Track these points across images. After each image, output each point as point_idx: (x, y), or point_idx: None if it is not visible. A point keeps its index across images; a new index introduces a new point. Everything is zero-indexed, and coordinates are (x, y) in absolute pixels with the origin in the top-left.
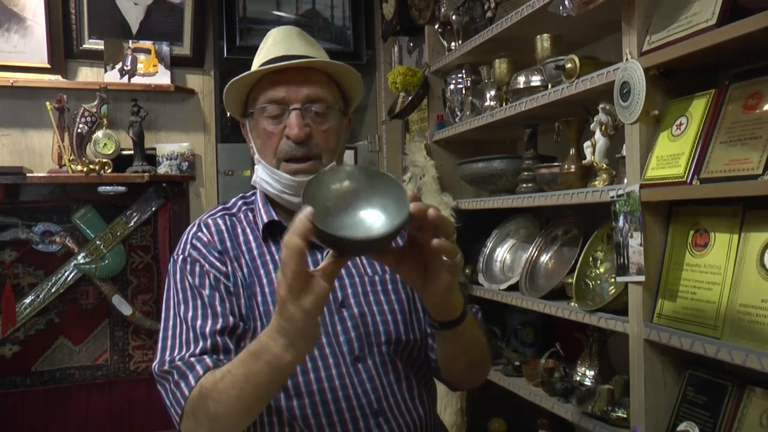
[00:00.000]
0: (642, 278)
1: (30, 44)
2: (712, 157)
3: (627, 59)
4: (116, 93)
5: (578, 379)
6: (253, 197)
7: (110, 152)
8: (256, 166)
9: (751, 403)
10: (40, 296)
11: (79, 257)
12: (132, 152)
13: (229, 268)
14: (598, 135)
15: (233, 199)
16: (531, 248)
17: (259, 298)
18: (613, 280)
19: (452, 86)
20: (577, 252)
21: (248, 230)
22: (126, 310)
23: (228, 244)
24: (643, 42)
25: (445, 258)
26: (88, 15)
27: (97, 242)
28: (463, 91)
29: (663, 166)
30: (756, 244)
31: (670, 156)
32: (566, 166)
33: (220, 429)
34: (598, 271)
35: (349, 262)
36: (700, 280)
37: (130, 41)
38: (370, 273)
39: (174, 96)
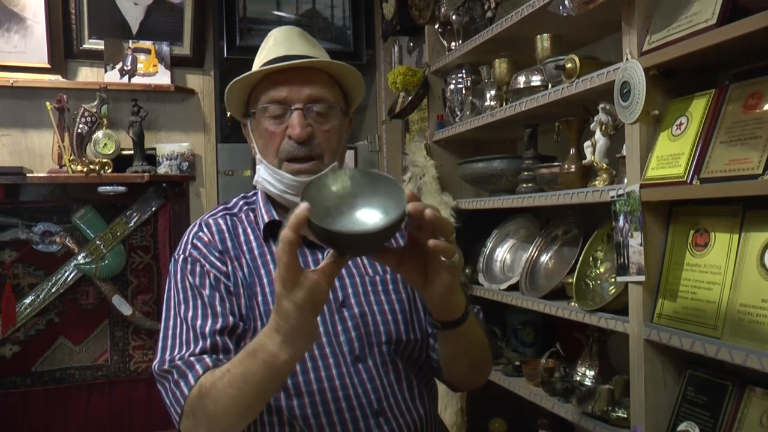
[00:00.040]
0: (642, 278)
1: (30, 44)
2: (712, 156)
3: (627, 59)
4: (116, 93)
5: (578, 379)
6: (255, 197)
7: (110, 152)
8: (257, 166)
9: (752, 403)
10: (40, 296)
11: (79, 257)
12: (132, 152)
13: (230, 268)
14: (598, 135)
15: (234, 199)
16: (531, 248)
17: (260, 298)
18: (613, 279)
19: (452, 86)
20: (577, 252)
21: (249, 230)
22: (126, 310)
23: (229, 243)
24: (643, 42)
25: (443, 258)
26: (88, 15)
27: (97, 242)
28: (463, 91)
29: (663, 166)
30: (756, 243)
31: (670, 156)
32: (566, 166)
33: (219, 428)
34: (598, 271)
35: (350, 262)
36: (700, 279)
37: (130, 41)
38: (371, 273)
39: (174, 96)
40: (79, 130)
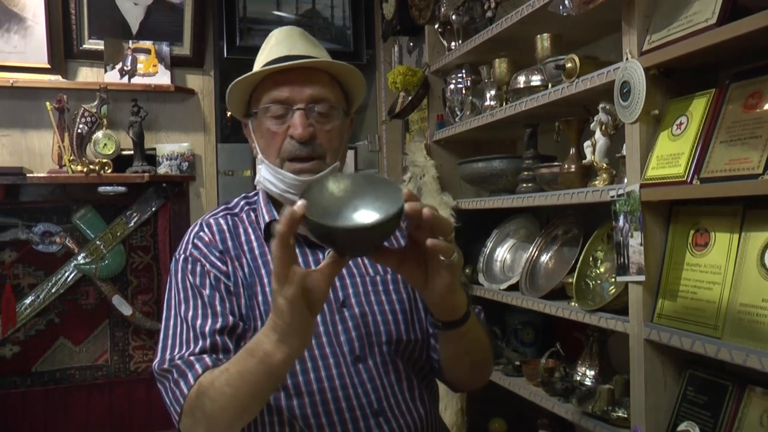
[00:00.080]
0: (642, 278)
1: (30, 44)
2: (712, 156)
3: (627, 59)
4: (116, 93)
5: (578, 378)
6: (256, 197)
7: (110, 152)
8: (259, 166)
9: (752, 402)
10: (40, 297)
11: (79, 257)
12: (132, 152)
13: (230, 268)
14: (598, 135)
15: (236, 199)
16: (531, 248)
17: (260, 298)
18: (613, 279)
19: (452, 86)
20: (577, 252)
21: (250, 230)
22: (126, 310)
23: (229, 243)
24: (643, 41)
25: (442, 257)
26: (88, 15)
27: (97, 242)
28: (463, 91)
29: (663, 166)
30: (756, 243)
31: (671, 155)
32: (566, 166)
33: (217, 427)
34: (598, 271)
35: (350, 262)
36: (700, 279)
37: (130, 41)
38: (372, 273)
39: (174, 96)
40: (79, 131)
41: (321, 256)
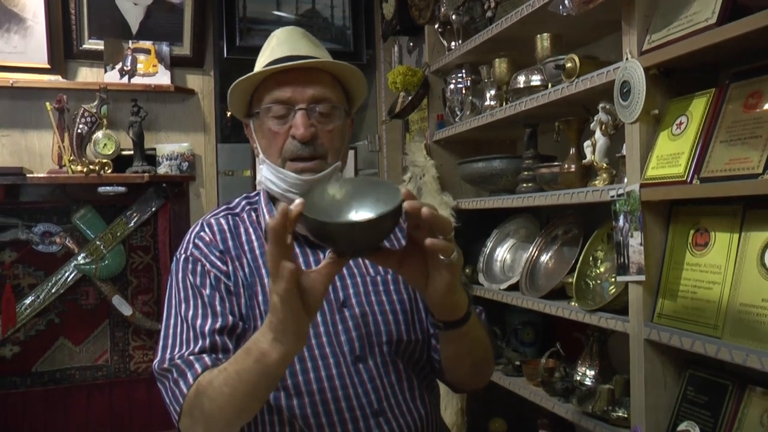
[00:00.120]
0: (642, 278)
1: (30, 44)
2: (712, 156)
3: (627, 58)
4: (116, 93)
5: (578, 378)
6: (257, 197)
7: (110, 152)
8: (260, 166)
9: (752, 402)
10: (40, 297)
11: (79, 258)
12: (132, 152)
13: (230, 268)
14: (598, 134)
15: (237, 199)
16: (531, 248)
17: (260, 298)
18: (613, 279)
19: (452, 86)
20: (577, 252)
21: (251, 230)
22: (126, 310)
23: (230, 243)
24: (643, 41)
25: (441, 257)
26: (88, 15)
27: (97, 243)
28: (463, 91)
29: (663, 166)
30: (756, 243)
31: (671, 155)
32: (566, 166)
33: (216, 427)
34: (598, 271)
35: (351, 263)
36: (700, 279)
37: (130, 41)
38: (372, 273)
39: (174, 96)
40: (79, 131)
41: (321, 256)
